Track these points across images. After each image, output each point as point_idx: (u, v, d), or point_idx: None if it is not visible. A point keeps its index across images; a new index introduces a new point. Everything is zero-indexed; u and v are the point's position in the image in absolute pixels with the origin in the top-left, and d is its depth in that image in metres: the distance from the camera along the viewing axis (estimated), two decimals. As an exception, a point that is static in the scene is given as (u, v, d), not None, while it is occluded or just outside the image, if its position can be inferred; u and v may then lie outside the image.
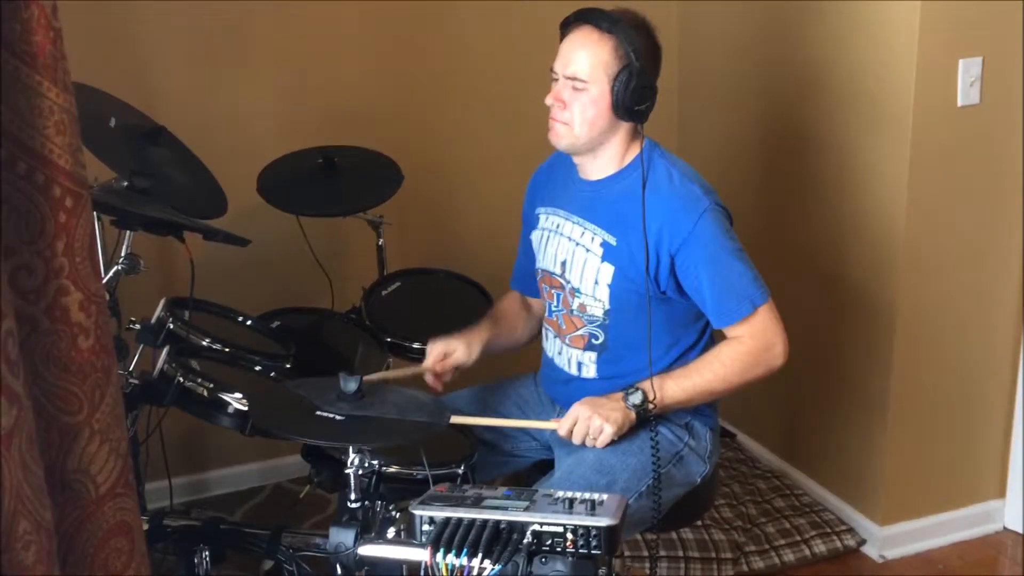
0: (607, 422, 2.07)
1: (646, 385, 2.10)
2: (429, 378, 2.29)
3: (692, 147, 3.54)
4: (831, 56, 2.94)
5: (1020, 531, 3.05)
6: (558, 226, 2.27)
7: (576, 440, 2.10)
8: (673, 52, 3.58)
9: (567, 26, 2.15)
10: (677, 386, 2.12)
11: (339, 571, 1.77)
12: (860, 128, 2.87)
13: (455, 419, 2.06)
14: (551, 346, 2.33)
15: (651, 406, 2.10)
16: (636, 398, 2.09)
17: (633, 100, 2.09)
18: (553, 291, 2.29)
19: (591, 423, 2.08)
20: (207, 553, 1.89)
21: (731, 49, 3.39)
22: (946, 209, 2.81)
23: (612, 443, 2.10)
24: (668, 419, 2.21)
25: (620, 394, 2.11)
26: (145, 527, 1.78)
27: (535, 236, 2.35)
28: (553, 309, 2.30)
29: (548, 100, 2.15)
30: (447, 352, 2.28)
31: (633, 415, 2.10)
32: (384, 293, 2.76)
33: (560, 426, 2.12)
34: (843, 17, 2.88)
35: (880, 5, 2.75)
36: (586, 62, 2.09)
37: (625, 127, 2.16)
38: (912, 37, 2.65)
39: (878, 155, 2.83)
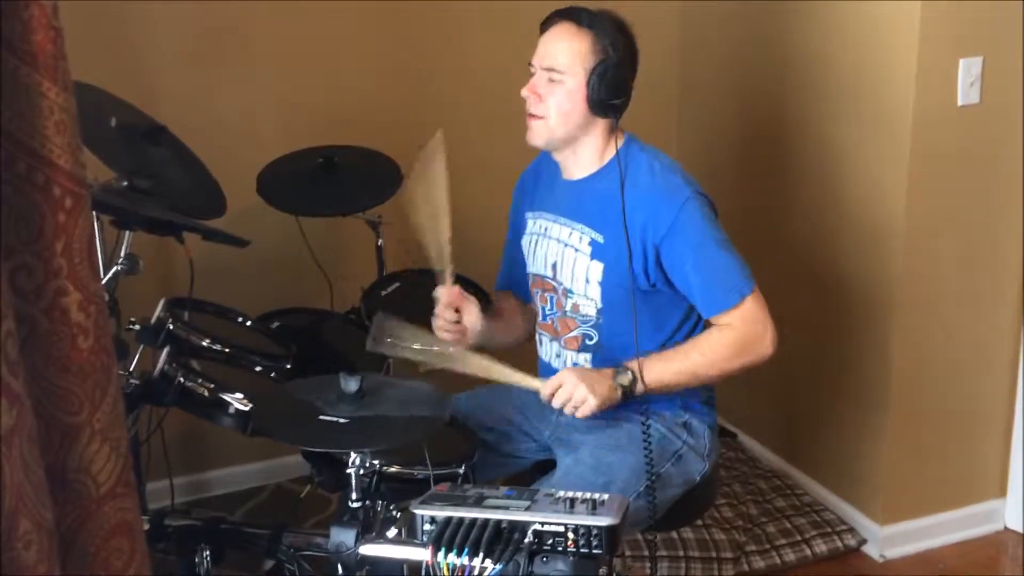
0: (592, 394, 2.05)
1: (634, 365, 2.09)
2: (442, 328, 2.21)
3: (692, 146, 3.54)
4: (831, 56, 2.94)
5: (1021, 531, 3.05)
6: (546, 229, 2.28)
7: (556, 403, 2.08)
8: (673, 52, 3.58)
9: (547, 23, 2.17)
10: (664, 367, 2.11)
11: (340, 571, 1.76)
12: (860, 128, 2.87)
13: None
14: (546, 350, 2.33)
15: (639, 386, 2.09)
16: (625, 379, 2.08)
17: (609, 94, 2.10)
18: (546, 294, 2.29)
19: (576, 391, 2.06)
20: (208, 553, 1.89)
21: (731, 49, 3.39)
22: (946, 208, 2.81)
23: (604, 439, 2.10)
24: (665, 418, 2.21)
25: (611, 371, 2.10)
26: (146, 527, 1.78)
27: (524, 241, 2.35)
28: (547, 313, 2.29)
29: (524, 92, 2.17)
30: (462, 299, 2.23)
31: (619, 394, 2.09)
32: (383, 293, 2.77)
33: (545, 386, 2.10)
34: (843, 17, 2.88)
35: (880, 5, 2.75)
36: (563, 54, 2.11)
37: (601, 123, 2.17)
38: (912, 37, 2.65)
39: (878, 155, 2.83)
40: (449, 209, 2.18)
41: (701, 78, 3.55)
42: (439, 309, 2.22)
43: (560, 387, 2.08)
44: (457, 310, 2.22)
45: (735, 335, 2.11)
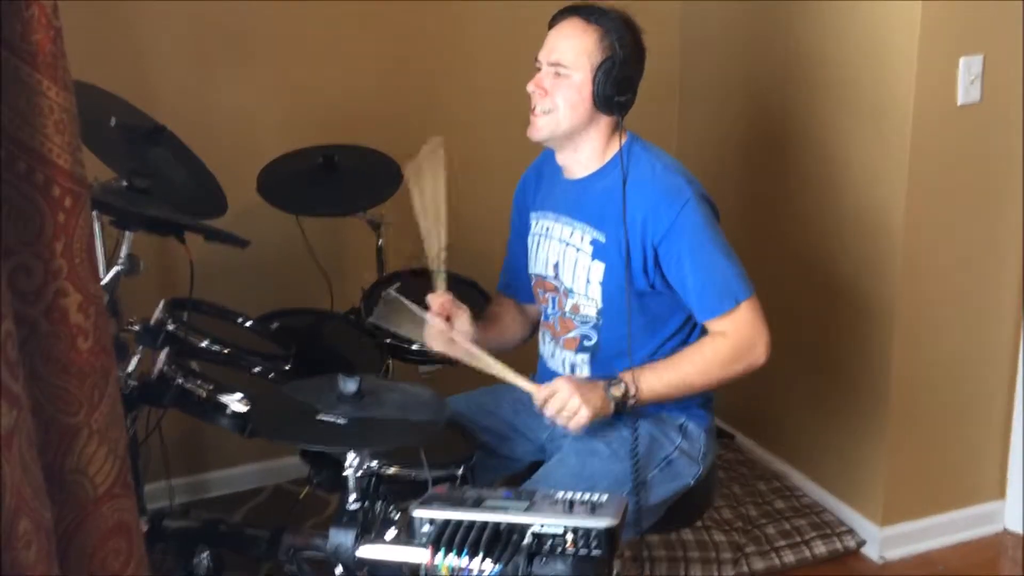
0: (585, 406, 2.04)
1: (627, 377, 2.09)
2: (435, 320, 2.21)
3: (692, 147, 3.54)
4: (831, 55, 2.94)
5: (1020, 532, 3.05)
6: (548, 229, 2.27)
7: (548, 412, 2.07)
8: (673, 52, 3.58)
9: (556, 19, 2.18)
10: (657, 379, 2.11)
11: (339, 572, 1.76)
12: (860, 127, 2.87)
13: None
14: (546, 349, 2.33)
15: (631, 399, 2.08)
16: (618, 391, 2.08)
17: (614, 90, 2.10)
18: (547, 295, 2.28)
19: (570, 402, 2.05)
20: (206, 554, 1.89)
21: (731, 49, 3.39)
22: (945, 208, 2.81)
23: (594, 444, 2.10)
24: (662, 420, 2.21)
25: (603, 383, 2.10)
26: (144, 528, 1.78)
27: (528, 242, 2.35)
28: (549, 313, 2.29)
29: (529, 87, 2.17)
30: (453, 307, 2.21)
31: (612, 407, 2.09)
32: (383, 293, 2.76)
33: (539, 392, 2.09)
34: (843, 17, 2.88)
35: (880, 5, 2.75)
36: (570, 49, 2.12)
37: (605, 121, 2.16)
38: (912, 36, 2.65)
39: (878, 154, 2.82)
40: (446, 215, 2.18)
41: (701, 78, 3.55)
42: (429, 316, 2.21)
43: (554, 395, 2.07)
44: (448, 318, 2.20)
45: (727, 344, 2.11)
